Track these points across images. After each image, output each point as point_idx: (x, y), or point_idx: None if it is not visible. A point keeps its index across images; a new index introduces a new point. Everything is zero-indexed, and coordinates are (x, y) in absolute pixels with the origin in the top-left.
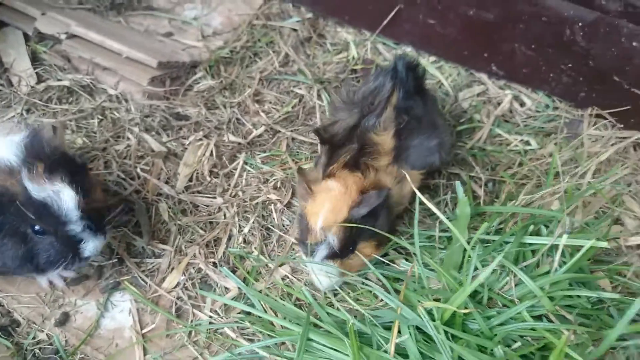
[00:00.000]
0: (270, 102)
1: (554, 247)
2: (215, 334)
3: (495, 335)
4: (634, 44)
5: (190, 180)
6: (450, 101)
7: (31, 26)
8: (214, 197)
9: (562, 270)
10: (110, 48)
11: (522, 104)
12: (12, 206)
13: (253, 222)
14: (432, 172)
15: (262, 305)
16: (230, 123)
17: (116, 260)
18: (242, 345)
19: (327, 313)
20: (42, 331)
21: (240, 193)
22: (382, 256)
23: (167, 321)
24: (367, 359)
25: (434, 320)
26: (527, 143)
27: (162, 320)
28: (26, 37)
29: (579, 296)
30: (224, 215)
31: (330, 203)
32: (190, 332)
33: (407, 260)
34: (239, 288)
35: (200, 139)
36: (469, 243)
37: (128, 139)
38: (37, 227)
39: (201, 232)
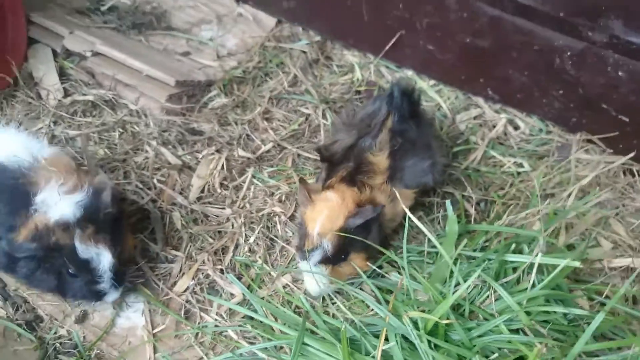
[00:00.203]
0: (279, 120)
1: (534, 265)
2: (220, 336)
3: (475, 345)
4: (620, 73)
5: (202, 191)
6: (448, 123)
7: (60, 44)
8: (223, 208)
9: (538, 287)
10: (131, 66)
11: (517, 128)
12: (58, 255)
13: (258, 233)
14: (426, 191)
15: (264, 311)
16: (241, 139)
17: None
18: (243, 347)
19: (323, 321)
20: (63, 327)
21: (247, 205)
22: (377, 268)
23: (177, 322)
24: None
25: (418, 329)
26: (520, 165)
27: (172, 321)
28: (55, 53)
29: (555, 312)
30: (232, 225)
31: (328, 211)
32: (197, 334)
33: (399, 273)
34: (243, 294)
35: (213, 153)
36: (455, 259)
37: (146, 151)
38: (71, 271)
39: (210, 240)
